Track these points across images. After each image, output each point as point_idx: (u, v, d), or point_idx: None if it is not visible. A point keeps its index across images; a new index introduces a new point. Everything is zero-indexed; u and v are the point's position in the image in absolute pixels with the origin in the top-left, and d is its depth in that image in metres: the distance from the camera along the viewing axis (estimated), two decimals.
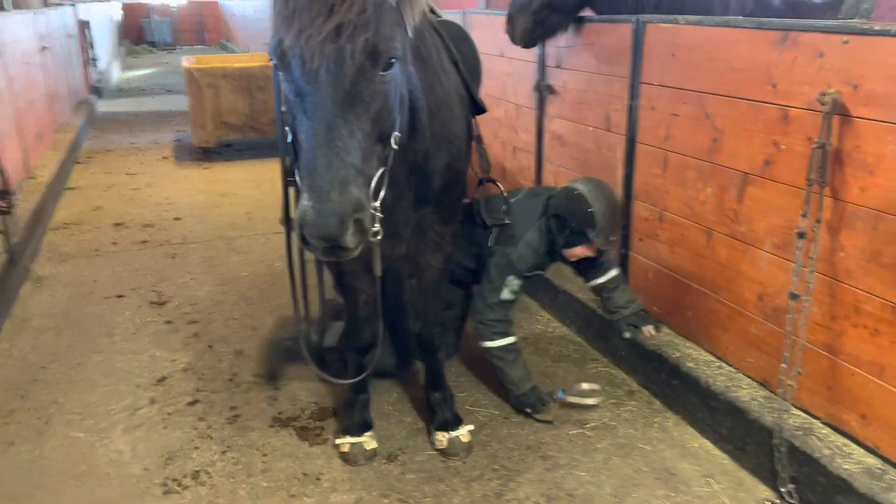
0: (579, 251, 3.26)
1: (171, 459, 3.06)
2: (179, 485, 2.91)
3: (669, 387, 3.36)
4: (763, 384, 3.02)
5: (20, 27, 7.26)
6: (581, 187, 3.22)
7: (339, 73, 1.80)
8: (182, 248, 5.68)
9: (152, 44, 26.25)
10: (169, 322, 4.36)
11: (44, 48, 8.31)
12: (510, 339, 3.28)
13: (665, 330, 3.55)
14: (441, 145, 2.54)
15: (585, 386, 3.39)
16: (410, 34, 2.03)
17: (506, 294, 3.21)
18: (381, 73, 1.89)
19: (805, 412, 2.81)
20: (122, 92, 15.06)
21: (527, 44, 3.82)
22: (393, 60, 1.92)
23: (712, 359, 3.28)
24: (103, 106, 12.85)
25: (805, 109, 2.63)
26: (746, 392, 3.01)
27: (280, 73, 1.91)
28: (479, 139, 3.16)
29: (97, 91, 13.28)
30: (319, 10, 1.75)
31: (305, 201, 1.79)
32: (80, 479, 2.95)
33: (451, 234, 2.82)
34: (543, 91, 4.46)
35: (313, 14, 1.75)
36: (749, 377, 3.09)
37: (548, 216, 3.27)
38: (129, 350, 4.02)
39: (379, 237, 2.00)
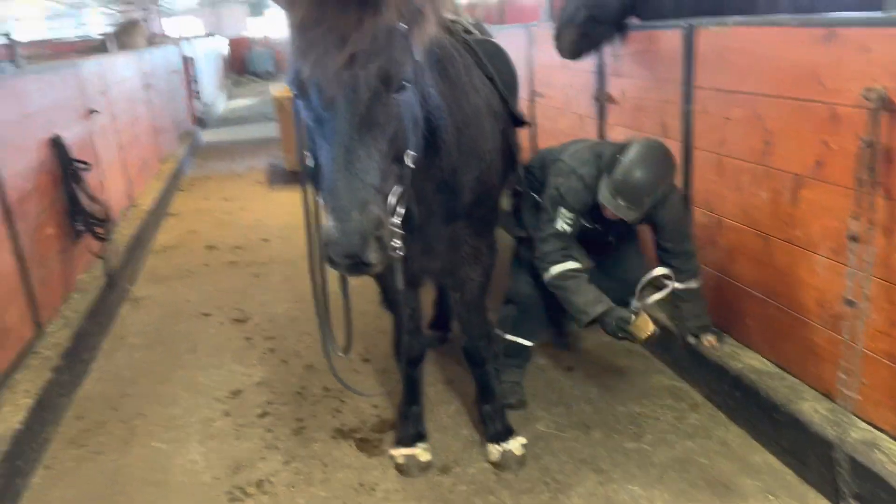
0: (607, 212, 3.19)
1: (238, 469, 3.24)
2: (244, 493, 3.08)
3: (732, 398, 3.25)
4: (826, 395, 2.88)
5: (124, 67, 7.88)
6: (631, 148, 3.10)
7: (355, 98, 1.90)
8: (266, 267, 5.97)
9: (255, 74, 27.65)
10: (248, 338, 4.60)
11: (147, 85, 8.96)
12: (567, 265, 3.18)
13: (728, 340, 3.44)
14: (470, 161, 2.60)
15: (660, 271, 3.19)
16: (419, 58, 2.11)
17: (559, 225, 3.19)
18: (395, 96, 1.98)
19: (871, 425, 2.66)
20: (225, 121, 15.95)
21: (574, 55, 3.84)
22: (405, 84, 2.00)
23: (775, 369, 3.15)
24: (207, 135, 13.65)
25: (853, 107, 2.51)
26: (809, 404, 2.88)
27: (299, 101, 2.03)
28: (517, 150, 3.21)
29: (201, 122, 14.12)
30: (334, 41, 1.85)
31: (329, 222, 1.89)
32: (157, 487, 3.17)
33: (487, 246, 2.86)
34: (603, 100, 4.43)
35: (328, 45, 1.85)
36: (812, 388, 2.95)
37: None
38: (210, 365, 4.27)
39: (400, 253, 2.08)
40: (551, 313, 3.62)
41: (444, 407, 3.61)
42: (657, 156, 3.07)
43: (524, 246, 3.59)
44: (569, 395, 3.65)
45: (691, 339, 3.45)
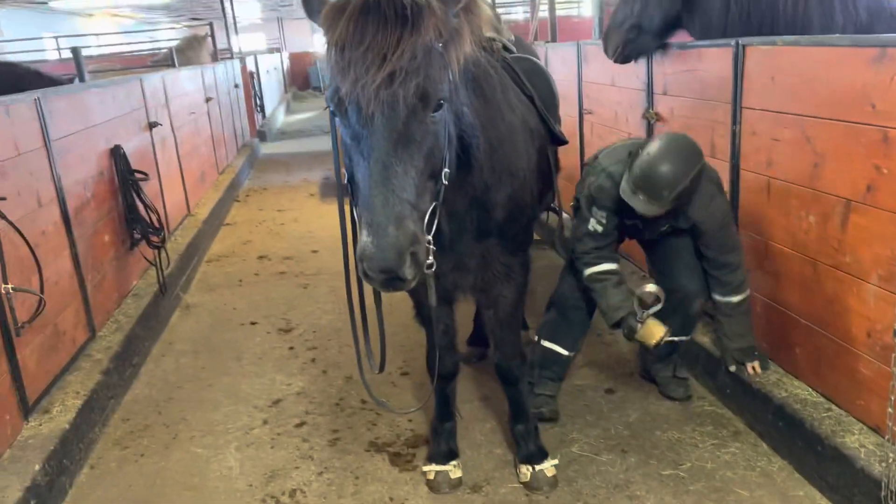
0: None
1: (273, 477, 3.29)
2: (277, 502, 3.12)
3: (776, 429, 3.14)
4: (875, 430, 2.75)
5: (186, 81, 8.15)
6: (653, 141, 3.06)
7: (392, 116, 1.93)
8: (314, 278, 6.07)
9: (317, 88, 28.22)
10: (291, 348, 4.68)
11: (209, 99, 9.25)
12: (598, 268, 3.22)
13: (773, 367, 3.33)
14: (503, 178, 2.60)
15: (649, 289, 3.12)
16: (456, 77, 2.12)
17: (592, 224, 3.19)
18: (432, 114, 2.00)
19: None
20: (284, 134, 16.32)
21: (618, 59, 4.00)
22: (441, 101, 2.02)
23: (821, 400, 3.03)
24: (266, 148, 13.99)
25: None
26: (855, 438, 2.76)
27: (337, 118, 2.07)
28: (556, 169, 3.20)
29: (262, 134, 14.48)
30: (373, 59, 1.89)
31: (365, 237, 1.91)
32: (193, 491, 3.24)
33: (519, 264, 2.85)
34: (651, 118, 4.37)
35: (368, 63, 1.89)
36: (860, 421, 2.83)
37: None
38: (253, 373, 4.36)
39: (433, 269, 2.09)
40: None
41: (478, 424, 3.59)
42: (678, 148, 2.97)
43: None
44: (607, 417, 3.59)
45: (732, 368, 3.35)
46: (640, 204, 2.98)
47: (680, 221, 3.20)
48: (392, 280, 1.93)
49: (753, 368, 3.28)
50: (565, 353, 3.54)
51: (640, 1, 3.77)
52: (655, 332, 3.12)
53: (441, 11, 1.99)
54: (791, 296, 3.19)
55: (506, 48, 3.13)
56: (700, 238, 3.23)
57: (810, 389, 3.12)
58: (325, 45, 2.00)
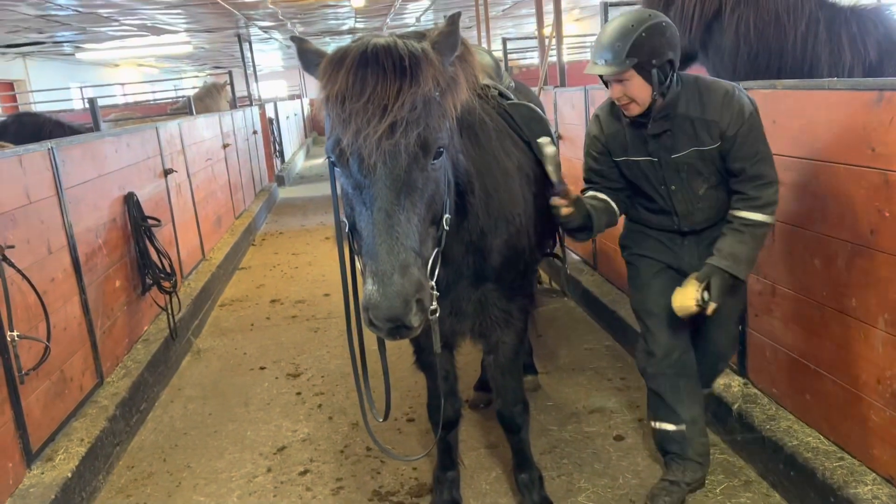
0: (613, 90, 2.76)
1: None
2: None
3: (787, 478, 3.05)
4: (888, 480, 2.66)
5: (204, 128, 8.31)
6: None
7: (395, 165, 1.95)
8: (325, 322, 6.07)
9: None
10: (299, 393, 4.66)
11: (226, 145, 9.41)
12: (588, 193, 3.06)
13: (783, 414, 3.25)
14: (499, 224, 2.60)
15: None
16: (453, 124, 2.15)
17: (585, 162, 3.09)
18: (433, 161, 2.04)
19: None
20: (302, 179, 16.54)
21: None
22: (441, 149, 2.06)
23: (834, 448, 2.94)
24: (284, 192, 14.17)
25: None
26: (868, 489, 2.67)
27: (337, 169, 2.08)
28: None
29: (280, 179, 14.67)
30: (374, 111, 1.91)
31: (370, 285, 1.91)
32: None
33: (518, 309, 2.82)
34: None
35: (369, 115, 1.92)
36: (872, 471, 2.74)
37: None
38: (259, 420, 4.33)
39: (436, 315, 2.09)
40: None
41: (484, 473, 3.52)
42: (626, 12, 2.76)
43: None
44: (615, 466, 3.51)
45: (695, 289, 2.75)
46: (600, 68, 2.68)
47: (698, 131, 2.74)
48: (398, 328, 1.93)
49: (703, 301, 2.75)
50: (673, 427, 3.10)
51: None
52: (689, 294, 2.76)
53: (438, 61, 2.03)
54: (800, 341, 3.13)
55: (502, 94, 3.16)
56: (729, 156, 2.74)
57: (822, 437, 3.03)
58: (325, 98, 2.02)
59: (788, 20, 3.62)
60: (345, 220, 2.17)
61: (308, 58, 2.13)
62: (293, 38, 2.17)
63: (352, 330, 2.46)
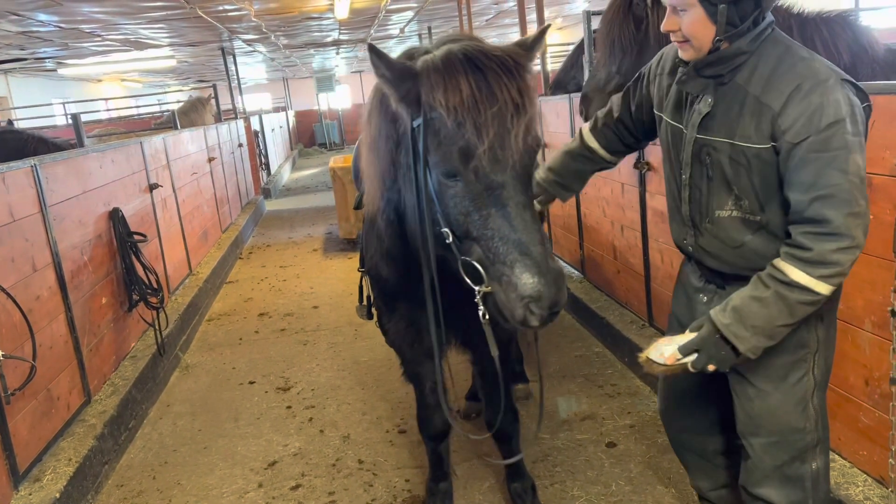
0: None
1: None
2: None
3: None
4: (879, 481, 2.68)
5: (189, 143, 8.28)
6: None
7: (528, 163, 2.01)
8: (314, 335, 6.04)
9: (323, 145, 28.65)
10: (289, 407, 4.63)
11: (211, 159, 9.38)
12: (583, 134, 2.65)
13: None
14: None
15: None
16: None
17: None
18: None
19: None
20: (289, 191, 16.49)
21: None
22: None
23: None
24: (271, 205, 14.12)
25: (888, 176, 2.42)
26: (860, 490, 2.68)
27: (455, 179, 1.97)
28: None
29: (266, 192, 14.63)
30: (511, 111, 1.93)
31: (529, 278, 1.90)
32: None
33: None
34: (643, 169, 4.39)
35: (509, 116, 1.93)
36: (864, 472, 2.75)
37: None
38: (249, 434, 4.30)
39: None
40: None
41: (477, 483, 3.51)
42: None
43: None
44: (608, 473, 3.51)
45: (646, 356, 2.17)
46: None
47: (746, 114, 1.98)
48: (553, 314, 1.95)
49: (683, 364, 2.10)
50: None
51: (627, 59, 3.65)
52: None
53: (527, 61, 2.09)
54: None
55: None
56: (786, 178, 1.93)
57: None
58: (448, 106, 1.91)
59: None
60: (446, 230, 2.05)
61: (389, 63, 2.00)
62: (369, 46, 2.02)
63: (434, 339, 2.37)
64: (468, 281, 2.00)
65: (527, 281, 1.89)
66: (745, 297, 1.98)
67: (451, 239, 2.04)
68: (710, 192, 2.10)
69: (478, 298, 1.99)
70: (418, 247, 2.24)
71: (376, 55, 1.98)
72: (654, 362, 2.13)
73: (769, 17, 2.00)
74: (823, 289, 1.89)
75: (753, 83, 1.96)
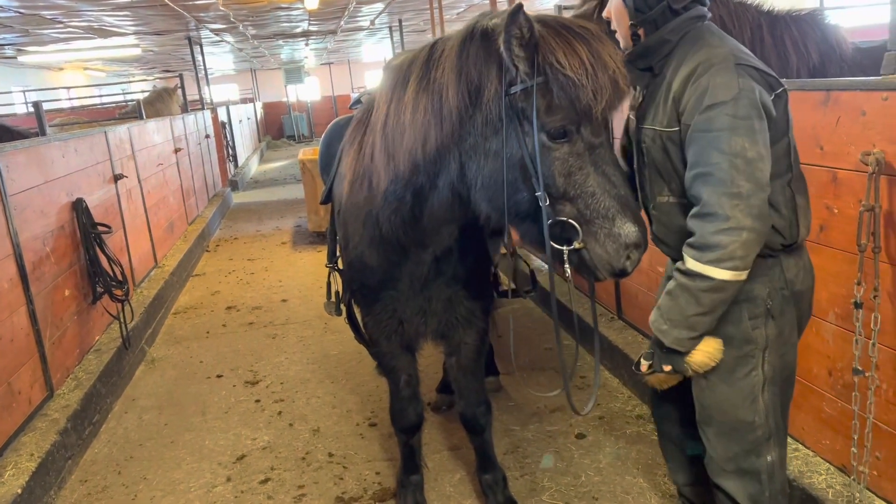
0: None
1: None
2: None
3: None
4: (842, 469, 2.74)
5: (154, 133, 8.14)
6: None
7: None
8: (283, 328, 5.99)
9: (291, 137, 28.37)
10: (258, 401, 4.58)
11: (178, 150, 9.23)
12: None
13: None
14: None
15: None
16: None
17: None
18: None
19: (887, 502, 2.51)
20: (257, 183, 16.30)
21: None
22: None
23: (789, 440, 3.01)
24: (238, 197, 13.94)
25: (853, 171, 2.46)
26: (822, 478, 2.74)
27: (562, 140, 1.98)
28: None
29: (234, 184, 14.44)
30: (619, 75, 1.98)
31: (632, 227, 2.00)
32: None
33: (481, 310, 2.83)
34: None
35: (620, 79, 1.98)
36: (827, 461, 2.82)
37: None
38: (217, 428, 4.25)
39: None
40: None
41: (447, 476, 3.51)
42: None
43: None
44: (578, 464, 3.53)
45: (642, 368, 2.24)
46: None
47: (662, 102, 2.08)
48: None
49: (643, 367, 2.22)
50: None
51: None
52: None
53: None
54: None
55: None
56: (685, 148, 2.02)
57: None
58: (563, 68, 1.92)
59: (734, 26, 3.70)
60: (541, 193, 2.00)
61: (528, 28, 1.92)
62: (516, 8, 1.93)
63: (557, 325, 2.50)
64: (552, 244, 2.03)
65: (629, 230, 1.99)
66: (664, 292, 2.07)
67: (547, 202, 2.02)
68: (651, 180, 2.19)
69: (565, 257, 2.04)
70: (473, 217, 2.26)
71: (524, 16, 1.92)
72: (642, 374, 2.22)
73: (700, 10, 2.09)
74: (718, 274, 1.91)
75: (671, 71, 2.08)
